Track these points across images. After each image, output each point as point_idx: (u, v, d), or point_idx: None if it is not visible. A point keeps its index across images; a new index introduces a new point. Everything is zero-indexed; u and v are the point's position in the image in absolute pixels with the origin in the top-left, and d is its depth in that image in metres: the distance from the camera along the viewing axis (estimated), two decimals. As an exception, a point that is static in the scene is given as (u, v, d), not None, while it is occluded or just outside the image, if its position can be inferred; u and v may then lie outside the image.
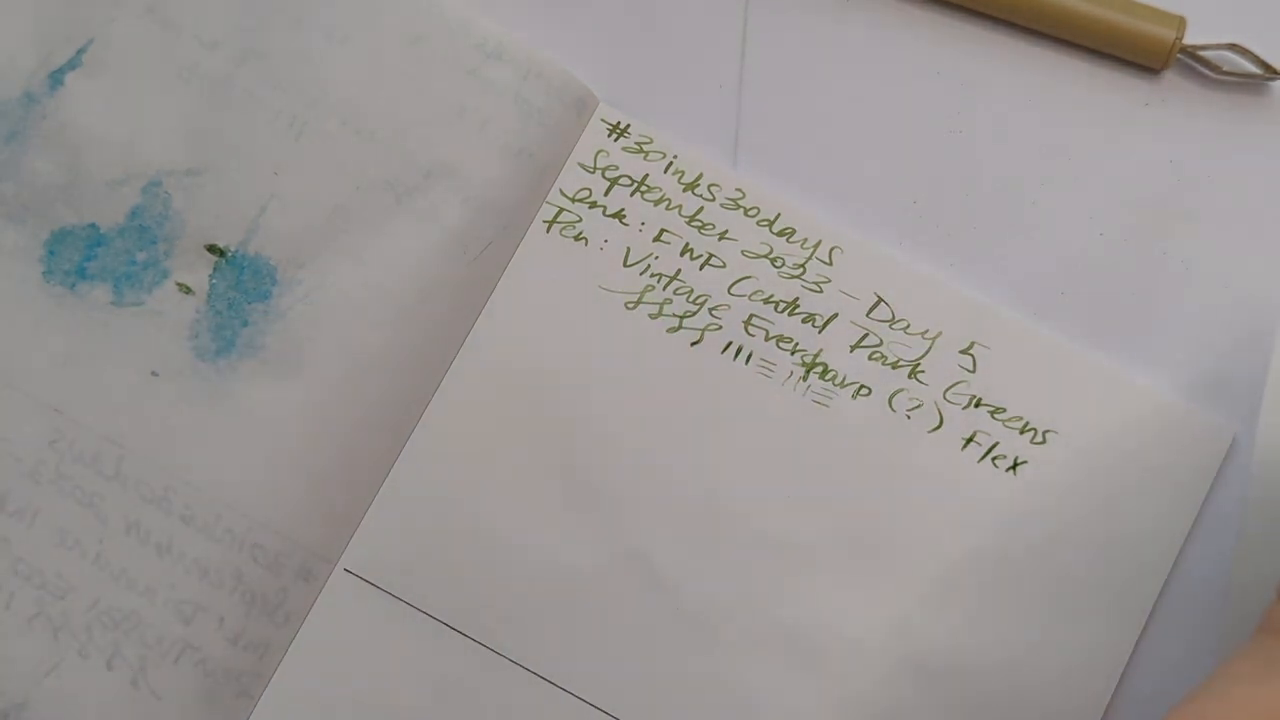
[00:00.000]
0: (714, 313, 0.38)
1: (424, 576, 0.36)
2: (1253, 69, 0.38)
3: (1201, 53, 0.38)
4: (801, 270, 0.38)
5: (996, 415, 0.37)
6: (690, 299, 0.38)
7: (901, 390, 0.37)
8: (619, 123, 0.39)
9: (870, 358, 0.37)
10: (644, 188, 0.38)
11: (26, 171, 0.37)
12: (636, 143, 0.38)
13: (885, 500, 0.36)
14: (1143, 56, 0.38)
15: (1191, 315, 0.37)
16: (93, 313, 0.37)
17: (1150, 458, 0.36)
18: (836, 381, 0.37)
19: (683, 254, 0.38)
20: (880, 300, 0.38)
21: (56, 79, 0.38)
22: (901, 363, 0.37)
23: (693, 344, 0.37)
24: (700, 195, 0.38)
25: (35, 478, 0.36)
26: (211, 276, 0.37)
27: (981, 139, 0.39)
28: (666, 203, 0.38)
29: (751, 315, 0.38)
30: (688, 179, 0.38)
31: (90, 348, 0.37)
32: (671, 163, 0.38)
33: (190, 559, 0.36)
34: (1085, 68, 0.39)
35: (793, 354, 0.37)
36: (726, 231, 0.38)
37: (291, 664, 0.36)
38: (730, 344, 0.37)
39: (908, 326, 0.37)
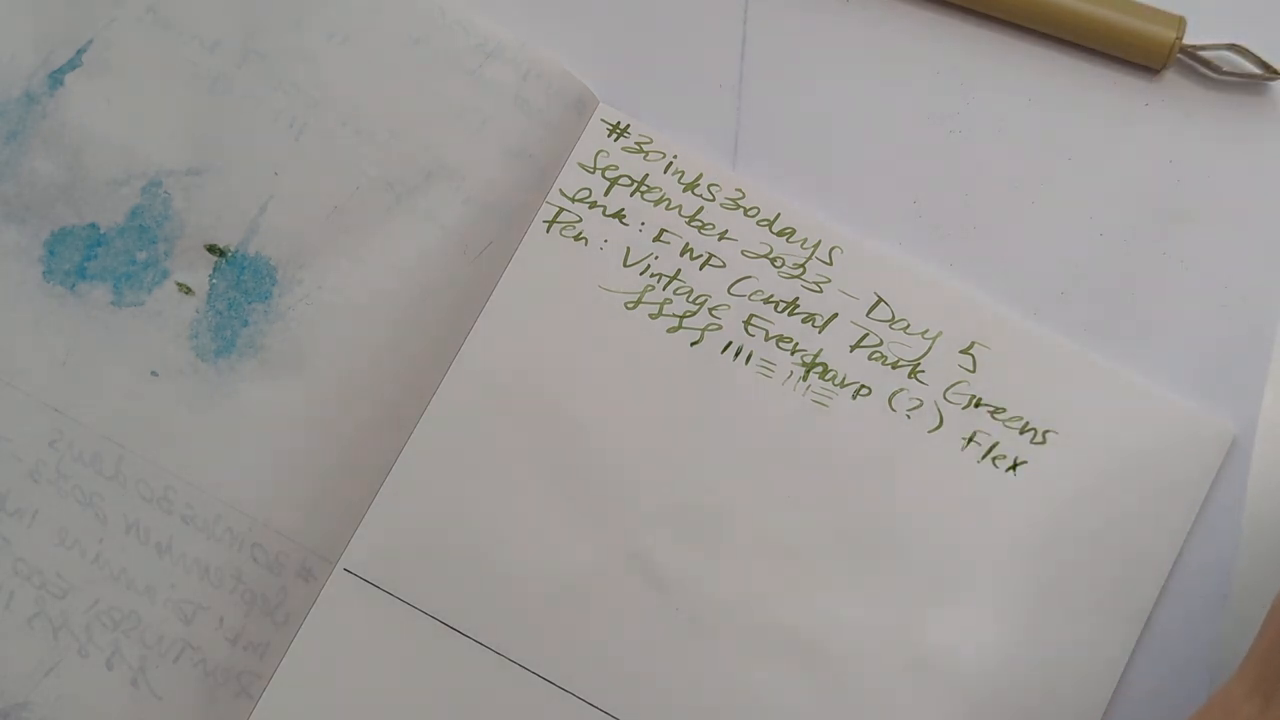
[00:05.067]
0: (714, 313, 0.38)
1: (424, 576, 0.36)
2: (1253, 69, 0.38)
3: (1201, 53, 0.38)
4: (801, 270, 0.38)
5: (996, 415, 0.37)
6: (690, 299, 0.38)
7: (901, 390, 0.37)
8: (619, 123, 0.39)
9: (870, 358, 0.37)
10: (644, 188, 0.38)
11: (26, 171, 0.37)
12: (636, 143, 0.38)
13: (885, 500, 0.36)
14: (1143, 56, 0.38)
15: (1191, 315, 0.38)
16: (93, 313, 0.37)
17: (1150, 458, 0.36)
18: (836, 381, 0.37)
19: (683, 254, 0.38)
20: (880, 300, 0.38)
21: (56, 79, 0.38)
22: (901, 363, 0.37)
23: (693, 344, 0.37)
24: (700, 195, 0.38)
25: (35, 478, 0.36)
26: (211, 276, 0.37)
27: (981, 139, 0.39)
28: (666, 203, 0.38)
29: (751, 315, 0.38)
30: (688, 179, 0.38)
31: (90, 348, 0.37)
32: (671, 163, 0.38)
33: (190, 559, 0.36)
34: (1085, 68, 0.39)
35: (793, 354, 0.37)
36: (726, 231, 0.38)
37: (291, 664, 0.36)
38: (730, 344, 0.37)
39: (908, 326, 0.37)
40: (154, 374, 0.37)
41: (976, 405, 0.37)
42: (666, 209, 0.38)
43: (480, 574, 0.36)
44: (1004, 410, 0.37)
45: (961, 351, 0.37)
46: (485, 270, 0.38)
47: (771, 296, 0.38)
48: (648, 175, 0.38)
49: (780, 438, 0.37)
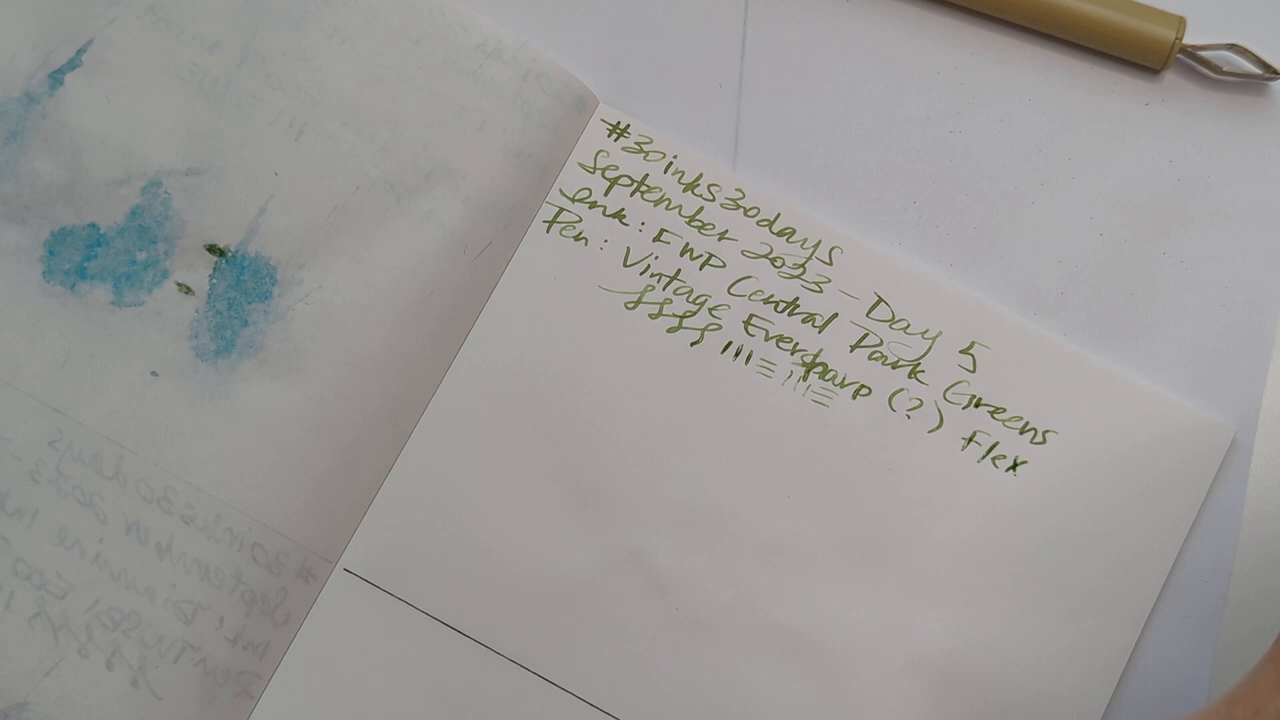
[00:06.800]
0: (714, 313, 0.38)
1: (424, 576, 0.36)
2: (1253, 69, 0.38)
3: (1201, 53, 0.38)
4: (801, 270, 0.38)
5: (996, 415, 0.37)
6: (690, 299, 0.38)
7: (901, 390, 0.37)
8: (619, 123, 0.39)
9: (870, 357, 0.37)
10: (644, 188, 0.38)
11: (26, 171, 0.37)
12: (636, 143, 0.38)
13: (885, 500, 0.36)
14: (1143, 56, 0.38)
15: (1191, 315, 0.38)
16: (93, 313, 0.37)
17: (1150, 458, 0.36)
18: (836, 381, 0.37)
19: (683, 254, 0.38)
20: (880, 300, 0.38)
21: (56, 79, 0.38)
22: (901, 362, 0.37)
23: (693, 344, 0.37)
24: (700, 195, 0.38)
25: (35, 478, 0.36)
26: (211, 276, 0.37)
27: (981, 139, 0.39)
28: (666, 203, 0.38)
29: (751, 315, 0.38)
30: (688, 179, 0.38)
31: (90, 348, 0.37)
32: (671, 163, 0.38)
33: (190, 559, 0.36)
34: (1085, 68, 0.39)
35: (793, 354, 0.37)
36: (726, 231, 0.38)
37: (291, 664, 0.36)
38: (730, 344, 0.37)
39: (908, 326, 0.37)
40: (154, 374, 0.37)
41: (976, 405, 0.37)
42: (666, 209, 0.38)
43: (480, 574, 0.36)
44: (1004, 410, 0.37)
45: (961, 351, 0.37)
46: (485, 270, 0.38)
47: (771, 296, 0.38)
48: (648, 175, 0.38)
49: (780, 438, 0.37)
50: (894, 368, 0.37)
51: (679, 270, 0.38)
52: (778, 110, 0.39)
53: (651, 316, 0.38)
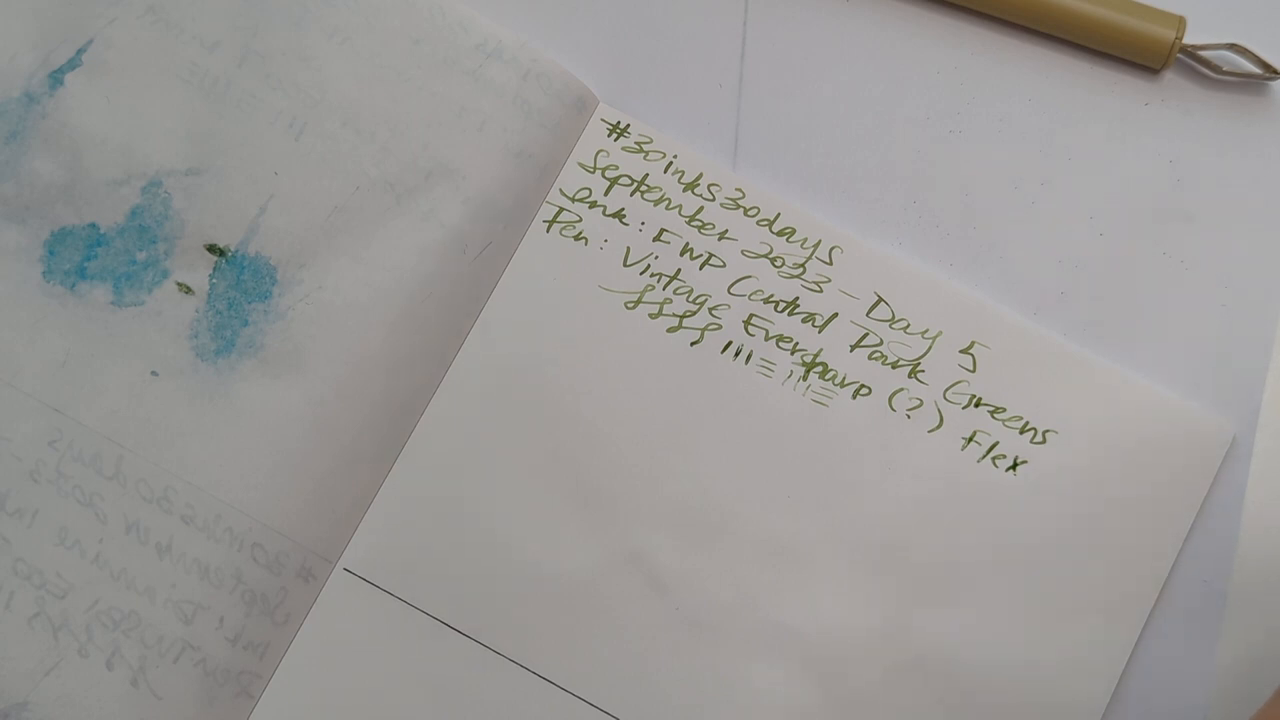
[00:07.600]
0: (714, 312, 0.38)
1: (424, 576, 0.36)
2: (1253, 69, 0.38)
3: (1201, 53, 0.38)
4: (801, 270, 0.38)
5: (996, 415, 0.37)
6: (690, 299, 0.38)
7: (901, 390, 0.37)
8: (619, 123, 0.39)
9: (870, 357, 0.37)
10: (644, 187, 0.38)
11: (26, 171, 0.37)
12: (636, 143, 0.38)
13: (885, 500, 0.36)
14: (1143, 56, 0.38)
15: (1192, 315, 0.38)
16: (93, 313, 0.37)
17: (1150, 457, 0.36)
18: (836, 381, 0.37)
19: (683, 254, 0.38)
20: (880, 300, 0.38)
21: (56, 79, 0.38)
22: (901, 362, 0.37)
23: (693, 344, 0.37)
24: (700, 195, 0.38)
25: (35, 478, 0.36)
26: (211, 276, 0.37)
27: (981, 139, 0.39)
28: (666, 202, 0.38)
29: (751, 315, 0.38)
30: (688, 179, 0.38)
31: (90, 348, 0.37)
32: (671, 163, 0.38)
33: (190, 559, 0.36)
34: (1085, 68, 0.39)
35: (792, 354, 0.37)
36: (726, 231, 0.38)
37: (291, 664, 0.36)
38: (730, 344, 0.37)
39: (908, 326, 0.37)
40: (154, 374, 0.37)
41: (976, 405, 0.37)
42: (666, 209, 0.38)
43: (480, 574, 0.36)
44: (1004, 410, 0.37)
45: (961, 351, 0.37)
46: (485, 270, 0.38)
47: (771, 296, 0.38)
48: (648, 175, 0.38)
49: (780, 437, 0.37)
50: (894, 368, 0.37)
51: (679, 270, 0.38)
52: (778, 110, 0.39)
53: (651, 316, 0.38)
